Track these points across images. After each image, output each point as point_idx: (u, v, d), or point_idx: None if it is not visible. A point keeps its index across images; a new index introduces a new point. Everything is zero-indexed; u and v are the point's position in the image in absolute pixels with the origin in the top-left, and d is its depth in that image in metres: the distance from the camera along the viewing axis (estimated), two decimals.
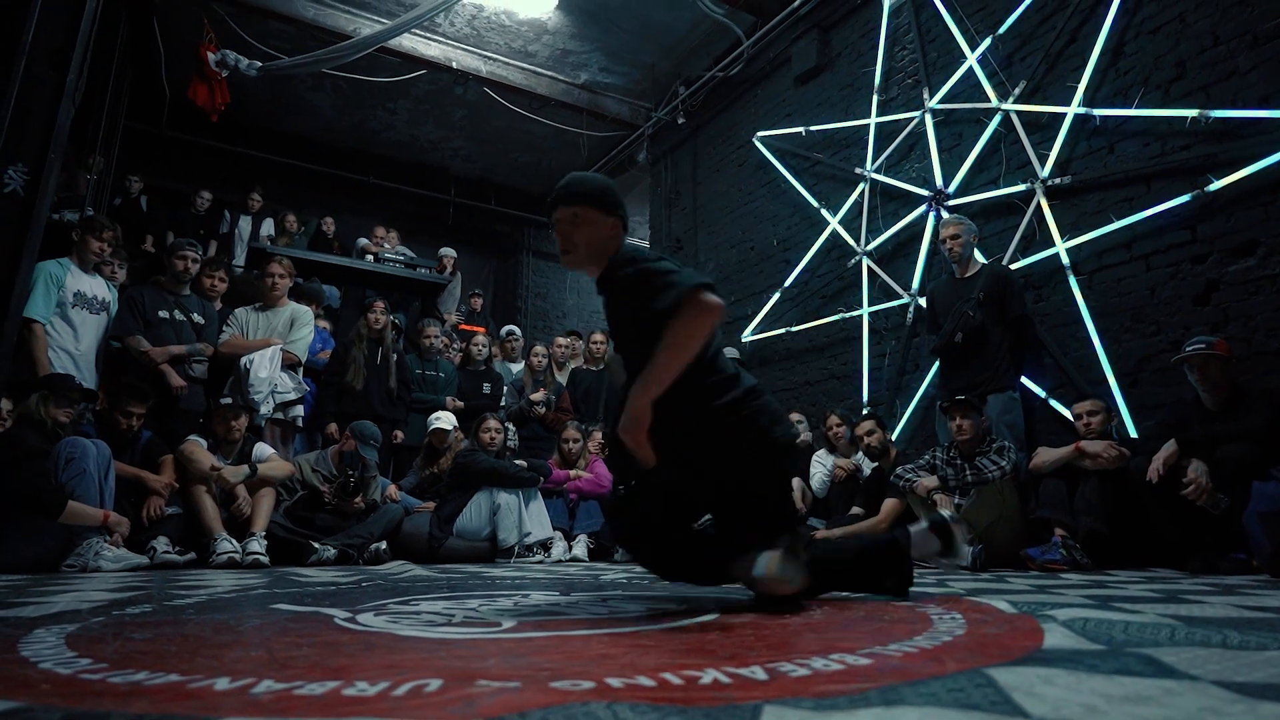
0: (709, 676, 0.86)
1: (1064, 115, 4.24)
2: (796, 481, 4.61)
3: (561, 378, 5.95)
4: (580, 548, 4.37)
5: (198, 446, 3.69)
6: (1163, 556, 3.20)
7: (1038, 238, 4.33)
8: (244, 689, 0.81)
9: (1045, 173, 4.30)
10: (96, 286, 4.00)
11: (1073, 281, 4.09)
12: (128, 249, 5.24)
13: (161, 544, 3.32)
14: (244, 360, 4.15)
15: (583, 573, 3.20)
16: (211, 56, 5.96)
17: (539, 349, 5.76)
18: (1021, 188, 4.41)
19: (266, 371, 4.10)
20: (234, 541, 3.47)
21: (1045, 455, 3.51)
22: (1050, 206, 4.26)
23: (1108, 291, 3.99)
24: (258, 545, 3.49)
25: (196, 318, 4.23)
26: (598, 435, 5.10)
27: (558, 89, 7.78)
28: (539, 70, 7.61)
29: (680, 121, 7.46)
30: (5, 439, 3.06)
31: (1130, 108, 3.96)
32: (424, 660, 0.99)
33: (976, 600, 1.76)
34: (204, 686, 0.82)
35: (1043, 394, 4.17)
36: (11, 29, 3.23)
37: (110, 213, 6.31)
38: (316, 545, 3.74)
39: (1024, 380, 4.15)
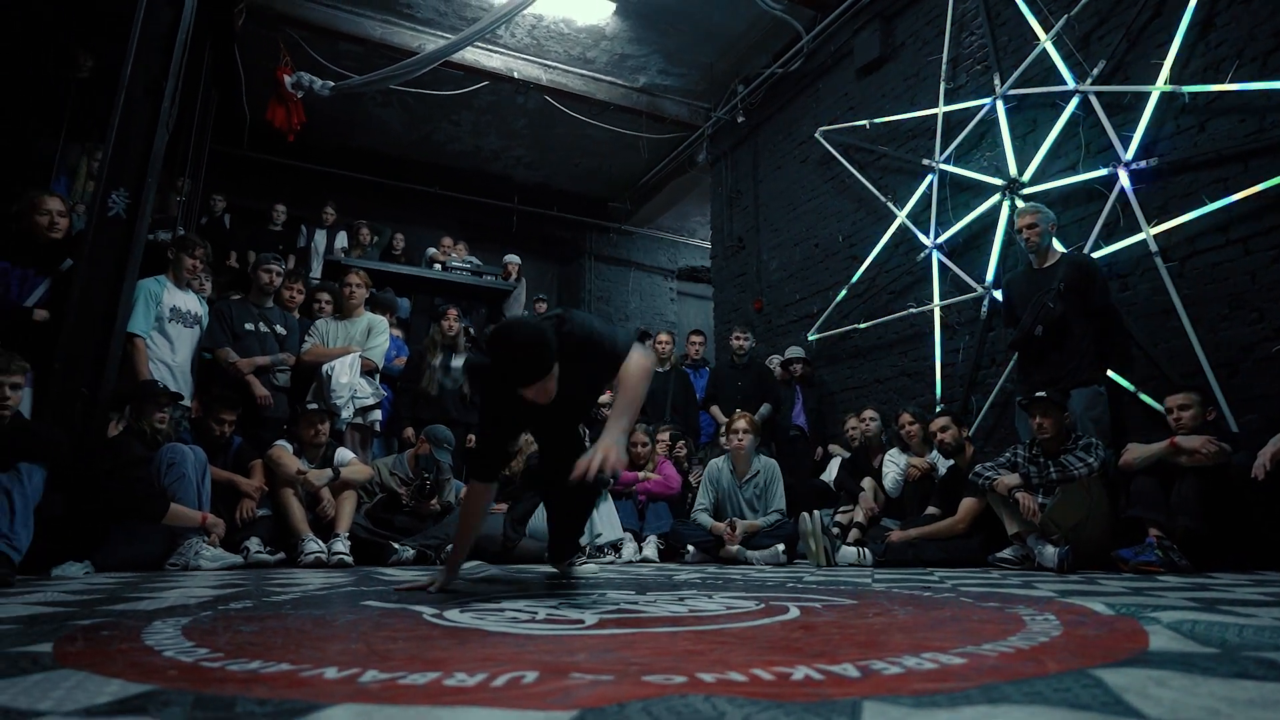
0: (800, 673, 0.85)
1: (1148, 94, 4.04)
2: (868, 481, 4.52)
3: None
4: (650, 548, 4.39)
5: (284, 451, 3.86)
6: (1269, 559, 3.00)
7: (1121, 224, 4.13)
8: (351, 678, 0.84)
9: (1129, 156, 4.10)
10: (190, 302, 4.23)
11: (1162, 269, 3.88)
12: (213, 264, 5.54)
13: (254, 544, 3.49)
14: (325, 367, 4.33)
15: (655, 573, 3.21)
16: (288, 79, 6.24)
17: None
18: (1103, 172, 4.22)
19: (347, 377, 4.27)
20: (319, 542, 3.62)
21: (1136, 451, 3.34)
22: (1135, 191, 4.06)
23: (1202, 278, 3.77)
24: (342, 545, 3.63)
25: (279, 329, 4.44)
26: (664, 436, 5.12)
27: (617, 93, 7.84)
28: (598, 76, 7.69)
29: (740, 120, 7.42)
30: (113, 447, 3.27)
31: (1223, 83, 3.74)
32: (516, 654, 1.02)
33: (1069, 602, 1.69)
34: (314, 675, 0.86)
35: (1131, 388, 3.97)
36: (113, 66, 3.47)
37: (198, 231, 6.67)
38: (396, 546, 3.87)
39: (1110, 374, 3.96)
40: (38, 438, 2.65)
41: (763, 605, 1.68)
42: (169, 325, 4.07)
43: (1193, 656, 0.95)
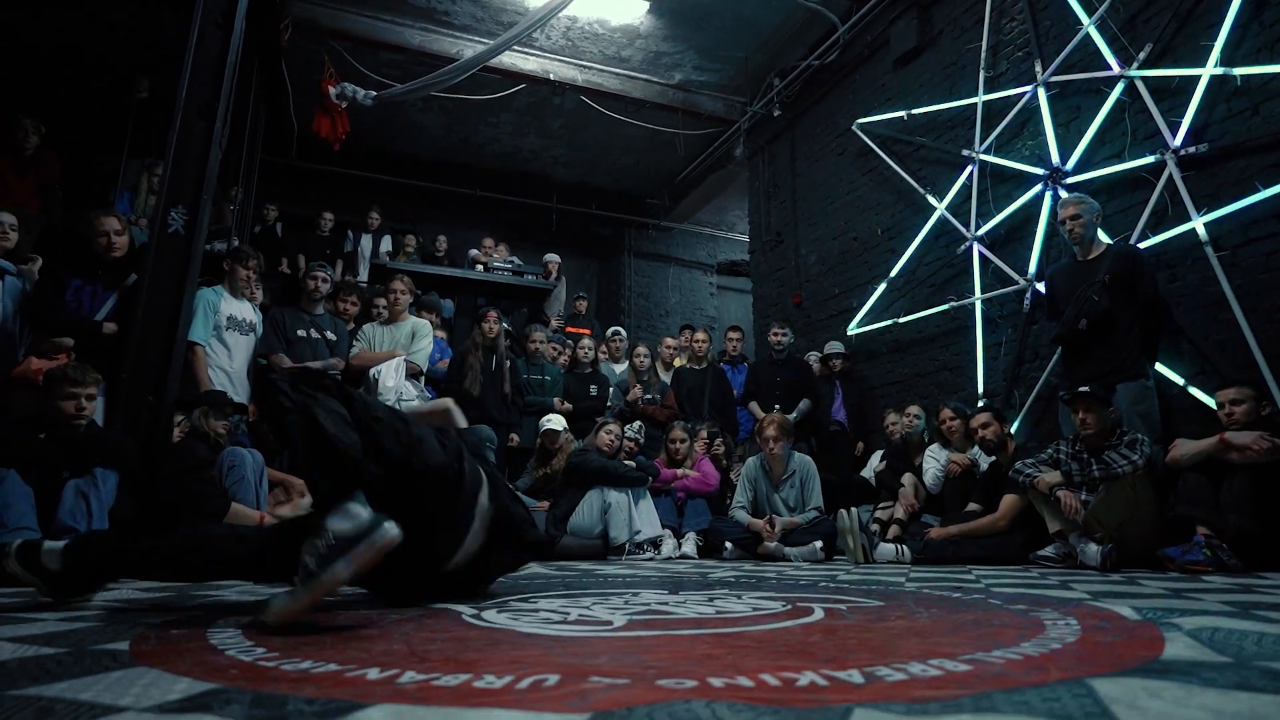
0: (806, 679, 0.90)
1: (1198, 78, 3.92)
2: (908, 477, 4.50)
3: (667, 377, 6.05)
4: (689, 545, 4.45)
5: None
6: None
7: (1170, 213, 4.01)
8: (391, 679, 0.92)
9: (1177, 142, 3.98)
10: (245, 310, 4.43)
11: (1213, 258, 3.77)
12: (266, 271, 5.78)
13: None
14: (372, 371, 4.50)
15: (691, 570, 3.27)
16: (332, 90, 6.45)
17: (641, 349, 5.88)
18: (1150, 160, 4.10)
19: (393, 381, 4.43)
20: None
21: (1185, 447, 3.26)
22: (1184, 178, 3.94)
23: (1256, 267, 3.65)
24: None
25: (330, 335, 4.62)
26: (704, 434, 5.16)
27: (652, 91, 7.88)
28: (633, 74, 7.73)
29: (776, 114, 7.39)
30: (179, 450, 3.47)
31: (1278, 64, 3.60)
32: (542, 656, 1.09)
33: (1098, 605, 1.69)
34: (358, 675, 0.94)
35: (1181, 381, 3.87)
36: (170, 86, 3.66)
37: (252, 240, 6.95)
38: None
39: (1159, 367, 3.87)
40: (110, 445, 2.84)
41: (789, 606, 1.72)
42: (226, 333, 4.27)
43: (1200, 666, 0.97)
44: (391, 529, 1.35)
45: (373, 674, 0.95)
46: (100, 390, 3.14)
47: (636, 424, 4.99)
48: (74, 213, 5.54)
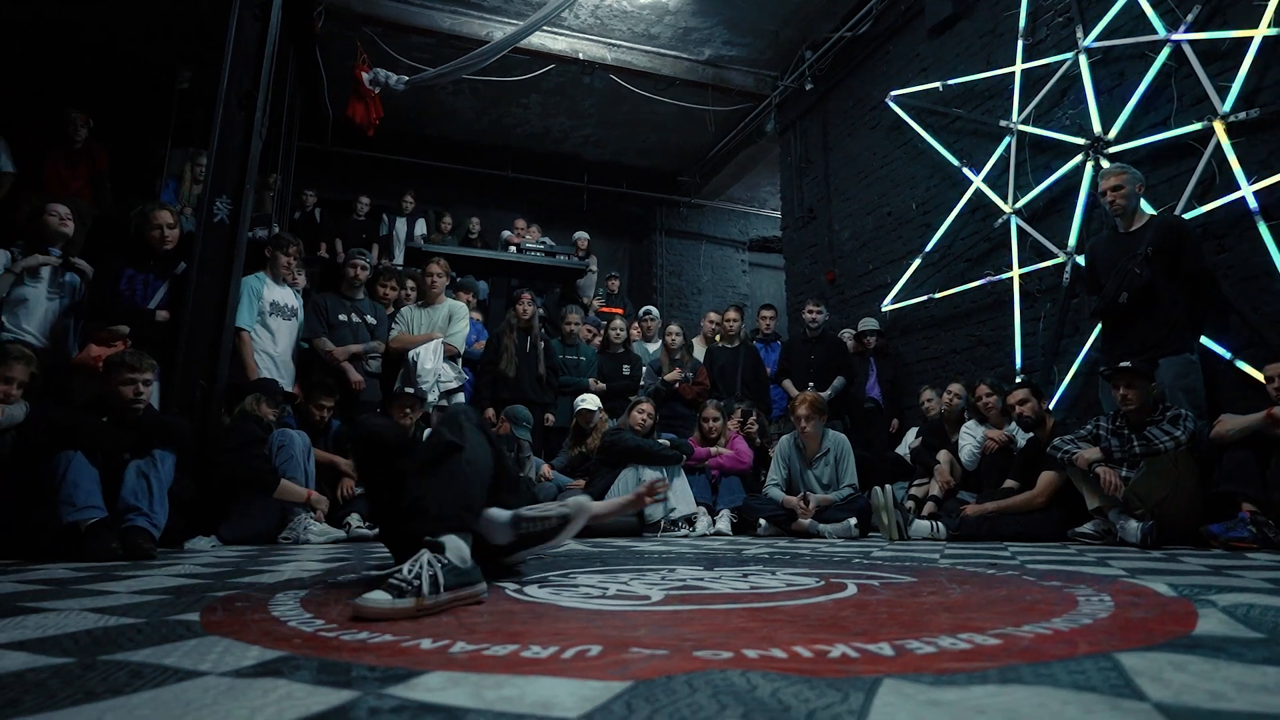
0: (838, 651, 0.94)
1: (1249, 40, 3.77)
2: (944, 454, 4.48)
3: (700, 355, 6.07)
4: (724, 522, 4.49)
5: None
6: None
7: (1218, 181, 3.89)
8: (443, 649, 0.98)
9: (1227, 107, 3.85)
10: (287, 296, 4.56)
11: (1263, 228, 3.66)
12: (305, 256, 5.91)
13: (354, 520, 3.79)
14: (411, 354, 4.60)
15: (726, 546, 3.32)
16: (365, 76, 6.52)
17: (673, 328, 5.90)
18: (1197, 127, 3.98)
19: (431, 364, 4.53)
20: None
21: (1230, 423, 3.20)
22: (1233, 145, 3.81)
23: None
24: None
25: (370, 319, 4.74)
26: (738, 413, 5.19)
27: (682, 67, 7.81)
28: (663, 51, 7.68)
29: (808, 87, 7.29)
30: (233, 428, 3.62)
31: None
32: (584, 629, 1.14)
33: (1134, 582, 1.70)
34: (413, 645, 1.01)
35: (1228, 355, 3.78)
36: (210, 79, 3.76)
37: (292, 226, 7.11)
38: None
39: (1204, 340, 3.78)
40: (167, 427, 2.97)
41: (822, 582, 1.76)
42: (270, 319, 4.40)
43: (1231, 642, 0.99)
44: (483, 589, 1.47)
45: (426, 644, 1.01)
46: (155, 375, 3.28)
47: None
48: (123, 202, 5.74)
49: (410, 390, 4.44)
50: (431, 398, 4.60)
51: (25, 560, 2.50)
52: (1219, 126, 3.86)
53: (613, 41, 7.53)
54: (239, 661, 0.90)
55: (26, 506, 2.60)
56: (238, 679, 0.82)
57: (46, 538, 2.57)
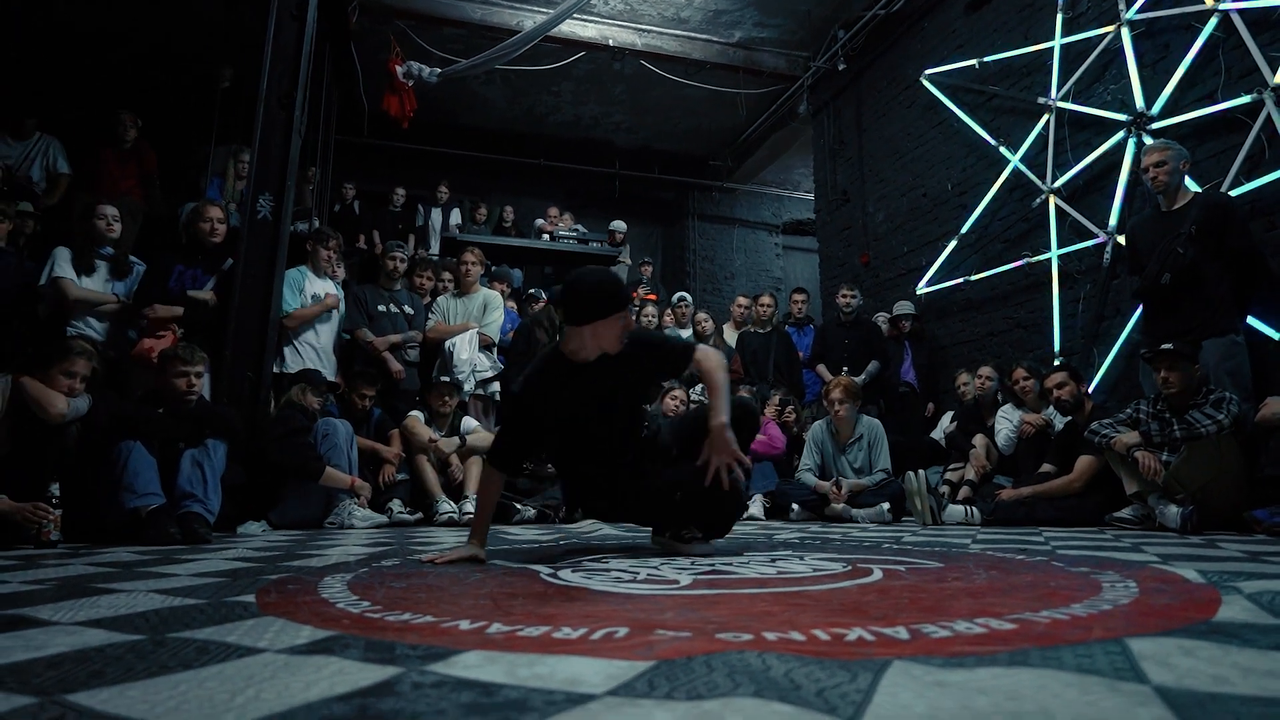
0: (854, 634, 0.98)
1: None
2: (979, 438, 4.44)
3: (732, 339, 6.08)
4: (756, 507, 4.53)
5: (418, 420, 4.27)
6: None
7: (1267, 156, 3.77)
8: (480, 629, 1.05)
9: (1278, 79, 3.71)
10: (328, 288, 4.69)
11: None
12: (345, 248, 6.06)
13: (396, 505, 3.92)
14: (448, 344, 4.71)
15: (758, 531, 3.36)
16: (399, 69, 6.63)
17: (701, 315, 5.92)
18: (1245, 100, 3.85)
19: (467, 353, 4.63)
20: (451, 503, 4.01)
21: (1277, 406, 3.13)
22: None
23: None
24: (471, 506, 4.01)
25: (408, 309, 4.86)
26: (775, 401, 5.20)
27: (712, 51, 7.76)
28: (693, 35, 7.63)
29: (841, 67, 7.18)
30: (281, 417, 3.76)
31: None
32: (613, 611, 1.20)
33: (1163, 568, 1.69)
34: (452, 626, 1.07)
35: (1276, 336, 3.67)
36: (251, 77, 3.87)
37: (331, 218, 7.28)
38: (519, 506, 4.22)
39: (1251, 321, 3.68)
40: (219, 417, 3.12)
41: (849, 567, 1.79)
42: None
43: (1248, 628, 1.00)
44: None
45: (464, 625, 1.08)
46: (206, 367, 3.42)
47: (700, 386, 5.06)
48: (171, 199, 5.94)
49: (447, 379, 4.55)
50: (468, 387, 4.71)
51: (93, 543, 2.66)
52: (1269, 99, 3.73)
53: (642, 27, 7.50)
54: (293, 640, 0.98)
55: (92, 493, 2.76)
56: (293, 655, 0.89)
57: (111, 522, 2.72)
